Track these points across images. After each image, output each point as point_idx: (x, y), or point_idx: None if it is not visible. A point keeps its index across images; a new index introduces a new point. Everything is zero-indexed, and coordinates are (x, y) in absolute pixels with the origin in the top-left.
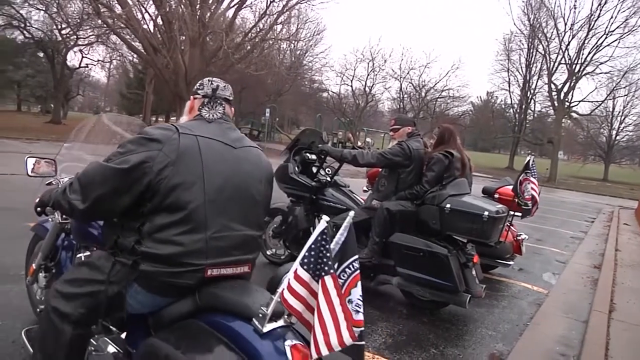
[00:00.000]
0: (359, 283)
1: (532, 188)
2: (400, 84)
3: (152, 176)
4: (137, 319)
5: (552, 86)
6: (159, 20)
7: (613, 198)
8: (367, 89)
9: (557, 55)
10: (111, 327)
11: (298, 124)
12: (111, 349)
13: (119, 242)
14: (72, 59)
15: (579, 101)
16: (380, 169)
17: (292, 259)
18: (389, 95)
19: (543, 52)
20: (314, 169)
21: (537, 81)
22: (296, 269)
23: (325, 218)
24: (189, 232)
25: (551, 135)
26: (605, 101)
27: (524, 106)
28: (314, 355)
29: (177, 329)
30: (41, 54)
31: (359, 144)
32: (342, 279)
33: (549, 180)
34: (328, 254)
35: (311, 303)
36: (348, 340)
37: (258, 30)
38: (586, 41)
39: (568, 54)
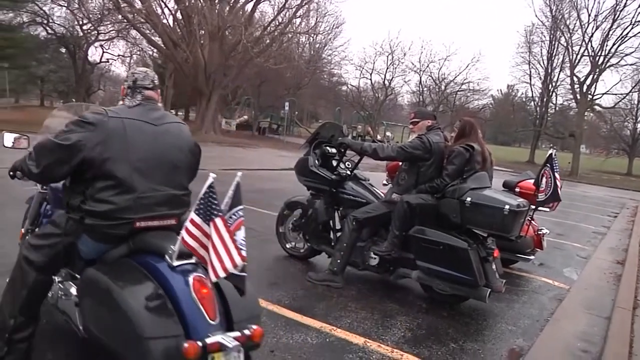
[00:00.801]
0: (243, 227)
1: (549, 181)
2: (420, 77)
3: (86, 152)
4: (91, 264)
5: (575, 79)
6: (179, 15)
7: (637, 192)
8: (386, 82)
9: (580, 47)
10: (75, 274)
11: (317, 117)
12: (74, 291)
13: (70, 203)
14: (93, 54)
15: (603, 94)
16: (401, 163)
17: (312, 252)
18: (408, 88)
19: (565, 44)
20: (334, 163)
21: (559, 74)
22: (191, 217)
23: (212, 175)
24: (120, 194)
25: (573, 129)
26: (630, 93)
27: (545, 99)
28: (213, 279)
29: (111, 264)
30: (63, 50)
31: (379, 137)
32: (229, 223)
33: (571, 175)
34: (216, 202)
35: (204, 242)
36: (239, 262)
37: (277, 23)
38: (611, 32)
39: (591, 46)
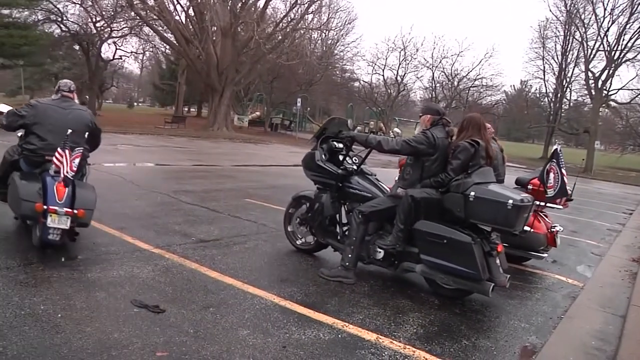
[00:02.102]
0: (78, 159)
1: (556, 176)
2: (433, 73)
3: (25, 120)
4: None
5: (590, 74)
6: (191, 12)
7: None
8: (398, 78)
9: (595, 42)
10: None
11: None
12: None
13: (19, 143)
14: (106, 51)
15: (618, 89)
16: (406, 158)
17: (319, 246)
18: (420, 84)
19: (580, 39)
20: (340, 157)
21: (573, 69)
22: (58, 150)
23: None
24: (39, 141)
25: (588, 125)
26: None
27: (559, 95)
28: (61, 176)
29: (27, 173)
30: (77, 47)
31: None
32: (72, 154)
33: (585, 171)
34: (67, 143)
35: (63, 162)
36: (69, 171)
37: (289, 20)
38: (627, 26)
39: (607, 40)
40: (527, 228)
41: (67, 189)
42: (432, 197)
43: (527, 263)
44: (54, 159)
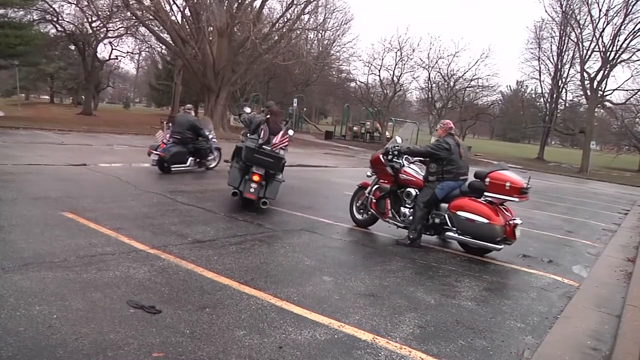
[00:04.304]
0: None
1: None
2: (429, 74)
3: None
4: None
5: (585, 74)
6: (187, 12)
7: None
8: (395, 78)
9: (591, 43)
10: None
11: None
12: None
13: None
14: (102, 51)
15: (613, 90)
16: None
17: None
18: (417, 84)
19: (575, 40)
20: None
21: (569, 70)
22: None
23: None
24: None
25: (583, 125)
26: None
27: (555, 95)
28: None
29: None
30: (72, 47)
31: (387, 134)
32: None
33: (581, 171)
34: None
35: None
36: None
37: (285, 20)
38: (622, 27)
39: (602, 41)
40: (482, 219)
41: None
42: None
43: (524, 262)
44: None
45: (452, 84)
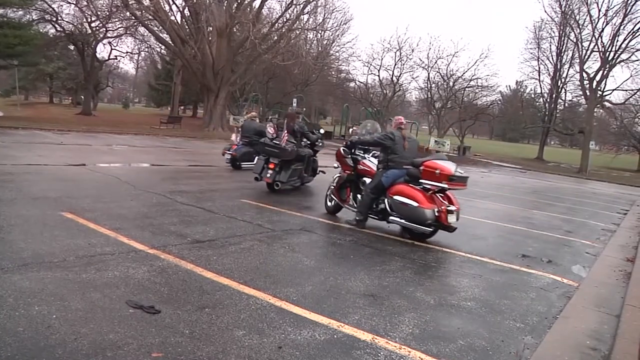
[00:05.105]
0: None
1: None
2: (428, 74)
3: None
4: None
5: (584, 75)
6: (187, 12)
7: None
8: (394, 78)
9: (590, 43)
10: None
11: (325, 114)
12: None
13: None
14: (102, 51)
15: (613, 90)
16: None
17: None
18: (416, 84)
19: (575, 40)
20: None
21: (568, 70)
22: None
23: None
24: None
25: (582, 125)
26: None
27: (554, 95)
28: None
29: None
30: (72, 47)
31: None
32: None
33: (580, 171)
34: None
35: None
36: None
37: (285, 20)
38: (621, 27)
39: (601, 41)
40: (413, 203)
41: None
42: None
43: (523, 262)
44: None
45: (451, 84)
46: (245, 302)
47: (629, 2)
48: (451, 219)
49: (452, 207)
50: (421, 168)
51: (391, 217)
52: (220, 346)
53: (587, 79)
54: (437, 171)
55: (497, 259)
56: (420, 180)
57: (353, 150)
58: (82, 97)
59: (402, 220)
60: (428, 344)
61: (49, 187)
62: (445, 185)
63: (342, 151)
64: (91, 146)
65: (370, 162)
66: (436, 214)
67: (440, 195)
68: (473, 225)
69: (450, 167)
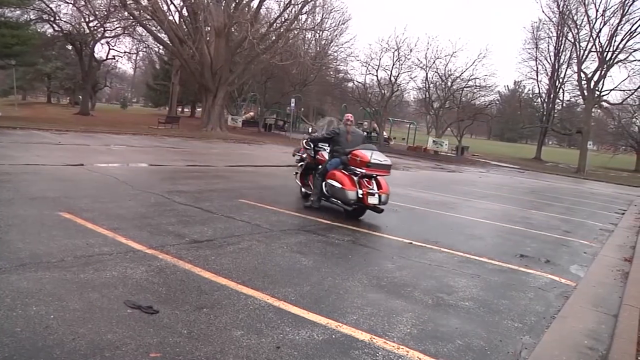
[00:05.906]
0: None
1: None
2: (426, 74)
3: None
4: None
5: (582, 75)
6: (185, 12)
7: None
8: (392, 78)
9: (588, 43)
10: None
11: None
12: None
13: None
14: (100, 51)
15: (610, 90)
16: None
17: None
18: (414, 84)
19: (572, 40)
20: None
21: (566, 70)
22: None
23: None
24: None
25: (580, 125)
26: (639, 89)
27: (552, 95)
28: None
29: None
30: (70, 47)
31: (384, 134)
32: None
33: (578, 171)
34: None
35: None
36: None
37: (283, 20)
38: (619, 27)
39: (599, 42)
40: (338, 185)
41: None
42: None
43: (521, 263)
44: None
45: (449, 84)
46: (244, 302)
47: (626, 2)
48: (372, 200)
49: (373, 190)
50: (349, 157)
51: (331, 198)
52: (218, 346)
53: (584, 79)
54: (358, 159)
55: (496, 259)
56: (349, 167)
57: (312, 145)
58: (80, 97)
59: (334, 199)
60: (426, 343)
61: (47, 187)
62: (364, 170)
63: (304, 145)
64: (89, 146)
65: (327, 153)
66: (359, 195)
67: (366, 180)
68: (471, 225)
69: (366, 154)
